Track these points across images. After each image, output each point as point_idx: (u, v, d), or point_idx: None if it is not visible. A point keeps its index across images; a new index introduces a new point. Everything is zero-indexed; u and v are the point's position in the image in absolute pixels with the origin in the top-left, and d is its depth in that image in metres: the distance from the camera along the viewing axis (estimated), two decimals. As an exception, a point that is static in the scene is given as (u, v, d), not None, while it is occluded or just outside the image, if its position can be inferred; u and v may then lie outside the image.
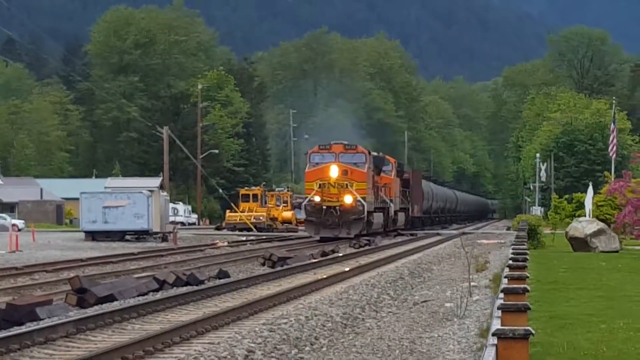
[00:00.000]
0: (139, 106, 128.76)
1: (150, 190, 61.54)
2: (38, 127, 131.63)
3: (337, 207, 51.37)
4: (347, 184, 51.63)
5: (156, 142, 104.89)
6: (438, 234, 72.15)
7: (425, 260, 38.12)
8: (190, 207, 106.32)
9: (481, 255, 36.88)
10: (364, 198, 51.85)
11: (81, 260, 37.34)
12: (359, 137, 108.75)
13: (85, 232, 61.10)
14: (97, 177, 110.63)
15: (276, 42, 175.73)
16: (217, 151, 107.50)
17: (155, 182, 69.78)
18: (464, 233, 70.37)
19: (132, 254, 41.97)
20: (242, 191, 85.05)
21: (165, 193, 67.92)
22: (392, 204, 62.83)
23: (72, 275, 27.08)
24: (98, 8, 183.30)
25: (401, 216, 68.52)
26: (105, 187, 67.05)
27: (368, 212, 53.17)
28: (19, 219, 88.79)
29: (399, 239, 62.77)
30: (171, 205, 77.61)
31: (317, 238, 52.16)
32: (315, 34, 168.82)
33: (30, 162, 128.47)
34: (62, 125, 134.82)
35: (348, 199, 51.41)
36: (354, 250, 45.87)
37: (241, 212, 77.73)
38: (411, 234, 71.96)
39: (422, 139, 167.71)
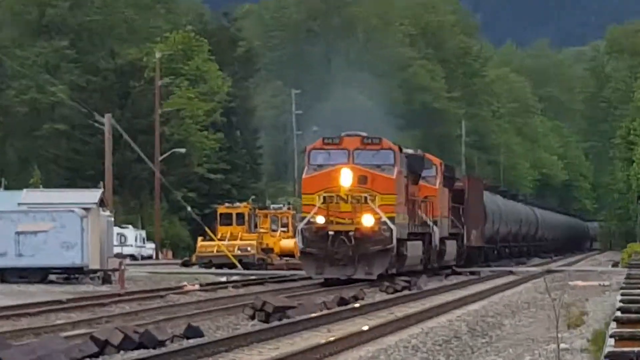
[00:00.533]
0: (69, 83, 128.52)
1: (85, 209, 61.20)
2: None
3: (351, 233, 46.96)
4: (366, 197, 47.31)
5: (94, 137, 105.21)
6: (511, 273, 70.73)
7: (493, 311, 37.87)
8: (144, 233, 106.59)
9: (575, 304, 36.65)
10: (392, 218, 47.54)
11: None
12: (394, 129, 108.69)
13: None
14: (7, 188, 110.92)
15: None
16: (184, 150, 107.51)
17: (92, 196, 69.65)
18: (549, 271, 69.81)
19: (60, 301, 41.68)
20: (221, 209, 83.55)
21: (107, 212, 67.88)
22: (436, 228, 58.60)
23: None
24: None
25: (451, 246, 64.70)
26: (19, 204, 66.51)
27: (399, 239, 48.70)
28: None
29: (453, 279, 61.39)
30: (117, 230, 77.63)
31: (321, 280, 49.04)
32: None
33: None
34: None
35: (368, 220, 47.29)
36: (385, 297, 45.15)
37: (219, 240, 77.12)
38: (471, 273, 70.15)
39: (487, 132, 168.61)
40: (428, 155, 61.61)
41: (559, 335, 25.31)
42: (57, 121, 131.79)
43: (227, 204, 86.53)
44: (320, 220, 47.35)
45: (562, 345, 24.39)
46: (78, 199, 66.31)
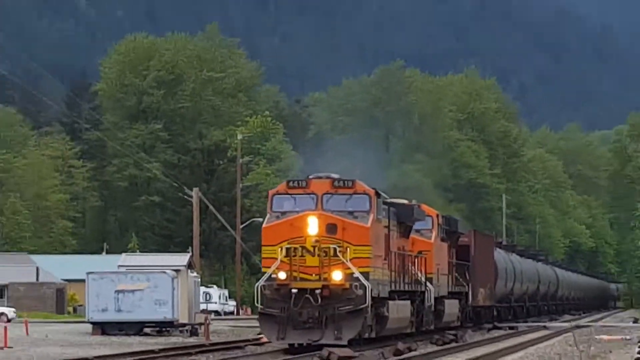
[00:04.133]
0: (162, 162, 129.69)
1: (175, 270, 61.47)
2: (34, 189, 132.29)
3: (318, 291, 36.74)
4: (335, 249, 36.85)
5: (184, 208, 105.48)
6: (545, 327, 68.09)
7: None
8: (227, 292, 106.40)
9: (600, 355, 36.46)
10: (366, 274, 37.25)
11: None
12: (443, 202, 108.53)
13: (93, 323, 60.67)
14: (108, 252, 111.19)
15: (337, 80, 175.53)
16: (262, 220, 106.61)
17: (182, 259, 69.77)
18: (578, 326, 68.08)
19: (152, 351, 41.47)
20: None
21: (195, 274, 68.06)
22: (431, 286, 49.37)
23: None
24: (110, 37, 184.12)
25: (452, 305, 55.71)
26: (119, 266, 67.00)
27: (377, 298, 39.09)
28: (8, 306, 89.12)
29: (494, 332, 60.07)
30: (203, 289, 77.59)
31: (284, 345, 38.87)
32: (388, 70, 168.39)
33: (24, 233, 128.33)
34: (65, 187, 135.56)
35: (337, 276, 36.91)
36: (435, 348, 43.23)
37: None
38: (509, 327, 67.18)
39: (525, 205, 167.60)
40: (424, 206, 51.65)
41: None
42: (152, 194, 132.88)
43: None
44: (282, 276, 37.15)
45: None
46: (169, 262, 66.57)
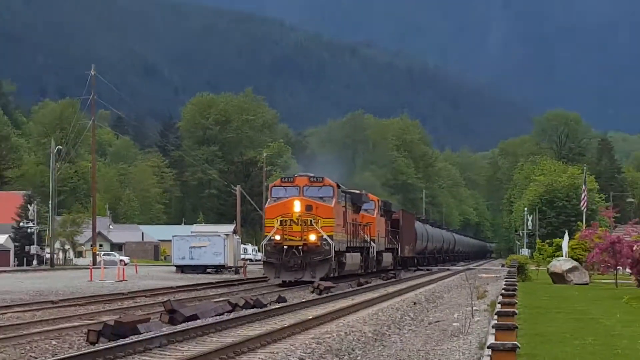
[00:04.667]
0: (218, 170, 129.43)
1: (226, 234, 61.92)
2: (140, 185, 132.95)
3: (300, 247, 37.21)
4: (311, 221, 37.43)
5: (230, 197, 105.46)
6: (448, 270, 68.15)
7: (438, 289, 37.74)
8: (256, 247, 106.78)
9: (481, 286, 36.59)
10: (331, 236, 37.55)
11: (172, 288, 37.60)
12: (387, 194, 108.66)
13: (176, 266, 61.43)
14: (185, 224, 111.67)
15: (324, 121, 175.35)
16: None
17: (229, 228, 70.83)
18: (468, 269, 68.55)
19: (211, 283, 42.03)
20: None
21: (237, 237, 68.23)
22: (373, 243, 48.71)
23: (165, 299, 27.36)
24: (187, 94, 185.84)
25: (388, 256, 54.58)
26: (192, 232, 67.84)
27: (337, 251, 39.04)
28: (125, 256, 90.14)
29: (418, 273, 59.98)
30: (242, 245, 77.96)
31: (278, 282, 38.70)
32: (355, 115, 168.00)
33: (134, 212, 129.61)
34: (159, 184, 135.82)
35: (312, 237, 37.33)
36: (381, 282, 43.63)
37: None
38: (427, 269, 66.94)
39: (436, 196, 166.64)
40: (369, 195, 51.55)
41: (473, 302, 25.63)
42: (212, 189, 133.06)
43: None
44: (277, 237, 37.77)
45: (474, 308, 24.45)
46: (222, 230, 67.03)
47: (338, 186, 40.03)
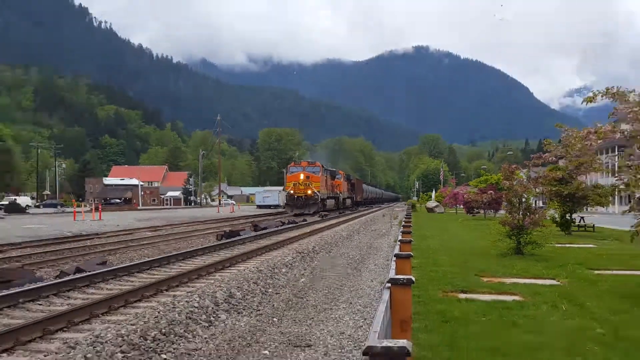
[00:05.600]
0: (276, 162, 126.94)
1: (278, 191, 60.48)
2: (240, 170, 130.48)
3: (303, 196, 33.50)
4: (309, 184, 33.74)
5: (280, 175, 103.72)
6: (380, 208, 62.20)
7: (370, 218, 36.13)
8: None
9: (395, 215, 35.65)
10: (319, 191, 33.76)
11: (255, 215, 36.40)
12: (352, 172, 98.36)
13: (257, 205, 60.43)
14: (260, 186, 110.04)
15: (322, 140, 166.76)
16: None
17: (280, 188, 67.33)
18: (389, 207, 65.30)
19: (272, 213, 40.44)
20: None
21: (283, 191, 65.29)
22: (341, 195, 44.47)
23: (251, 220, 27.06)
24: (261, 127, 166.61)
25: (348, 201, 49.73)
26: (264, 190, 67.15)
27: (322, 198, 34.83)
28: (233, 201, 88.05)
29: (356, 211, 55.64)
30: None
31: (293, 213, 33.78)
32: (338, 139, 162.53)
33: (237, 181, 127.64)
34: (250, 170, 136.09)
35: (309, 192, 33.58)
36: (318, 218, 40.04)
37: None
38: (359, 208, 60.30)
39: (375, 173, 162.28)
40: (340, 171, 46.93)
41: (391, 221, 25.53)
42: (272, 171, 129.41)
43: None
44: (292, 191, 34.37)
45: (392, 223, 24.07)
46: (276, 189, 66.10)
47: (322, 166, 36.57)
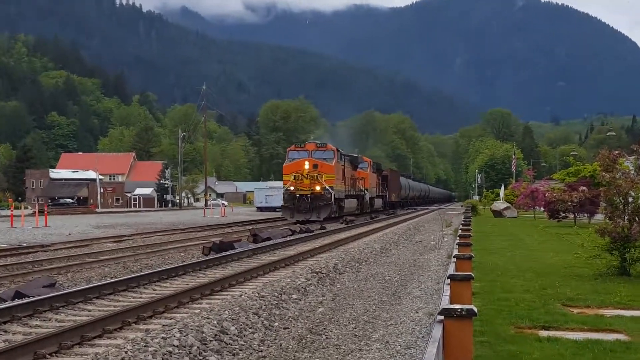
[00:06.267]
0: (282, 147, 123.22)
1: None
2: (234, 157, 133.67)
3: (309, 195, 32.29)
4: (317, 176, 32.54)
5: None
6: (425, 209, 62.81)
7: (420, 222, 36.34)
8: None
9: (449, 219, 35.92)
10: (332, 187, 32.53)
11: (254, 221, 36.71)
12: (388, 162, 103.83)
13: (257, 207, 61.78)
14: (262, 180, 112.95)
15: (349, 116, 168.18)
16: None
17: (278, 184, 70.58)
18: (439, 208, 66.78)
19: (278, 218, 40.47)
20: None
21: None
22: (367, 192, 42.62)
23: (249, 227, 27.23)
24: (263, 100, 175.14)
25: (378, 201, 48.18)
26: (267, 186, 68.65)
27: (337, 198, 33.73)
28: (225, 201, 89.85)
29: (394, 215, 55.62)
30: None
31: (293, 221, 32.56)
32: (368, 113, 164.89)
33: (230, 173, 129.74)
34: (246, 156, 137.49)
35: (317, 188, 32.36)
36: (368, 219, 39.38)
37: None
38: (392, 212, 60.07)
39: (419, 162, 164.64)
40: (364, 157, 45.73)
41: (443, 229, 25.88)
42: (278, 159, 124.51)
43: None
44: (292, 188, 32.82)
45: (444, 232, 24.66)
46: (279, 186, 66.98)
47: (338, 150, 34.24)
